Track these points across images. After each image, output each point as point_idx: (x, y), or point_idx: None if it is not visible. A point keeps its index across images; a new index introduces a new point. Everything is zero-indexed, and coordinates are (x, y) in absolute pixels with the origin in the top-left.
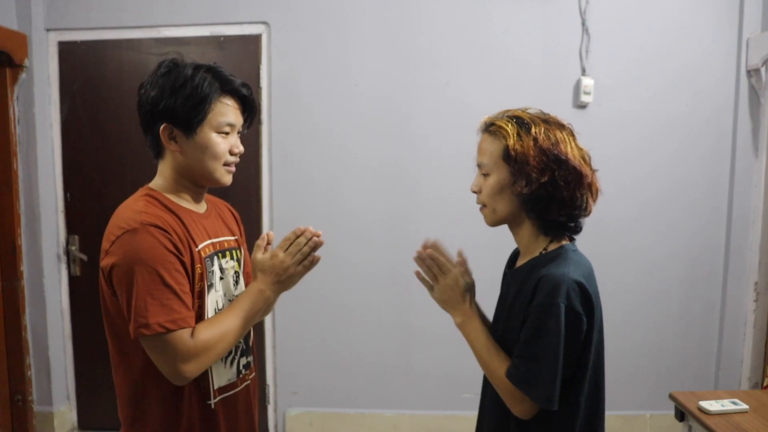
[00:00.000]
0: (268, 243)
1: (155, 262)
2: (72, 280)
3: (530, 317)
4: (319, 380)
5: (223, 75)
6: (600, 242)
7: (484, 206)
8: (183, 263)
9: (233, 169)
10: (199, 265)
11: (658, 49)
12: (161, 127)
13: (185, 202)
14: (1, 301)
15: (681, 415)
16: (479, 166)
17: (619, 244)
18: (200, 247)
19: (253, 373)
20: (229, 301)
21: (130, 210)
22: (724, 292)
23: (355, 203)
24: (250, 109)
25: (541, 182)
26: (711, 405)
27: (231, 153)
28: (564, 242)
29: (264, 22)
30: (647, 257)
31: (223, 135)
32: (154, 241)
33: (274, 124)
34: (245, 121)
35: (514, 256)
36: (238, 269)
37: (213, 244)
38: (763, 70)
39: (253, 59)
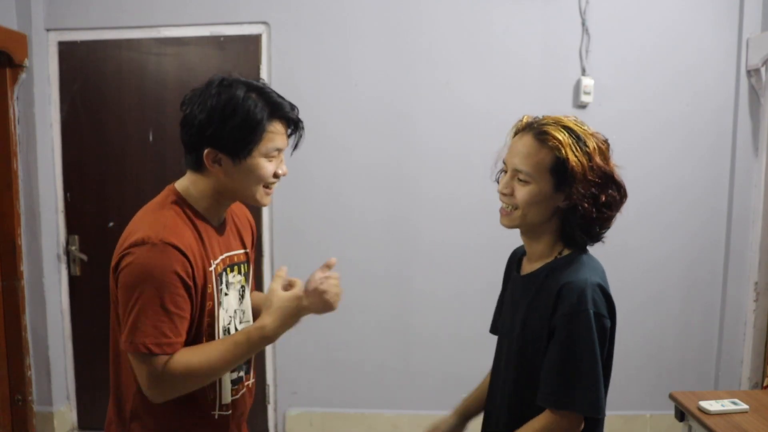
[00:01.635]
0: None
1: (161, 284)
2: (72, 280)
3: (558, 328)
4: (319, 380)
5: (273, 99)
6: (600, 242)
7: (514, 209)
8: (189, 288)
9: (272, 190)
10: (210, 285)
11: (658, 49)
12: (206, 152)
13: (208, 213)
14: (1, 301)
15: (681, 415)
16: (515, 169)
17: (620, 244)
18: (213, 266)
19: (244, 389)
20: (230, 316)
21: (156, 217)
22: (724, 292)
23: (355, 203)
24: (296, 130)
25: (599, 202)
26: (711, 405)
27: (275, 175)
28: (574, 250)
29: (264, 22)
30: (647, 257)
31: (269, 159)
32: (168, 264)
33: None
34: (289, 139)
35: (517, 257)
36: (244, 283)
37: (223, 259)
38: (763, 70)
39: (253, 59)
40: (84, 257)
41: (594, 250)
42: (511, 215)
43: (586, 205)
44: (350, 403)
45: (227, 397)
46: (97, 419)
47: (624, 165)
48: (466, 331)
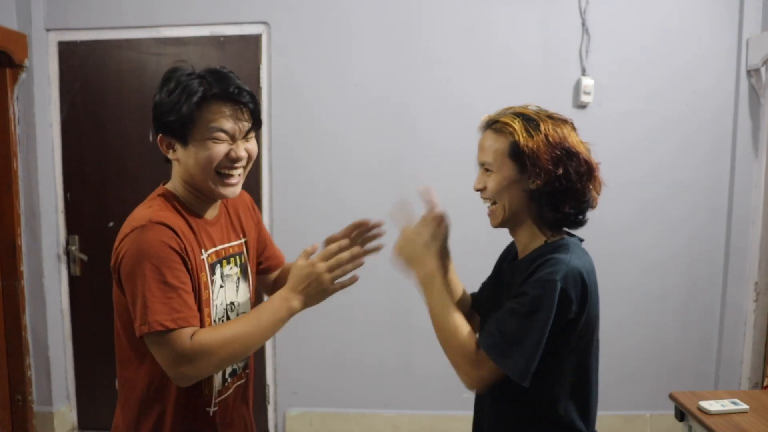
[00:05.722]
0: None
1: (159, 260)
2: (72, 280)
3: (525, 288)
4: (319, 380)
5: (215, 79)
6: (600, 242)
7: (493, 203)
8: (186, 262)
9: (233, 179)
10: (204, 274)
11: (658, 49)
12: (159, 138)
13: (195, 206)
14: (1, 301)
15: (681, 415)
16: (482, 164)
17: (619, 245)
18: (205, 255)
19: (242, 380)
20: (225, 308)
21: (143, 208)
22: (724, 292)
23: (356, 203)
24: (250, 111)
25: (557, 175)
26: (711, 405)
27: (230, 159)
28: (564, 237)
29: (264, 22)
30: (647, 257)
31: (213, 141)
32: (160, 239)
33: (274, 123)
34: (251, 123)
35: (511, 253)
36: (239, 275)
37: (217, 252)
38: (763, 70)
39: (253, 59)
40: (84, 257)
41: (594, 250)
42: (494, 212)
43: (548, 179)
44: (350, 403)
45: (218, 391)
46: (97, 419)
47: (623, 165)
48: None
